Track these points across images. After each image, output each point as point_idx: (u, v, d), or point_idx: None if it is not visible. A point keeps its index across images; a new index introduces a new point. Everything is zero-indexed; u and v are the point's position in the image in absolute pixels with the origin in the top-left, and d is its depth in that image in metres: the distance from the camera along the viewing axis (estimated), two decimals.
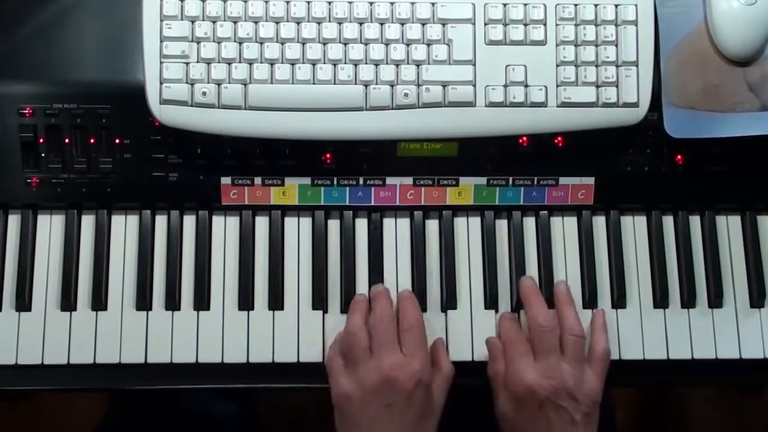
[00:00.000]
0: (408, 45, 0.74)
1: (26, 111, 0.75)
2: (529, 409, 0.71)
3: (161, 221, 0.78)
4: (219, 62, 0.73)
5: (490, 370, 0.75)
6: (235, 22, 0.73)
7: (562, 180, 0.79)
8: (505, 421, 0.73)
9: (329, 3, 0.74)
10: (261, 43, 0.73)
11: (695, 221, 0.81)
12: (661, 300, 0.79)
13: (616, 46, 0.75)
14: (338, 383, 0.72)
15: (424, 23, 0.74)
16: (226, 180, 0.77)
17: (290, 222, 0.79)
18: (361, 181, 0.78)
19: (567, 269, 0.80)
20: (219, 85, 0.72)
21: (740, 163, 0.79)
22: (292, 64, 0.73)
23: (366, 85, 0.73)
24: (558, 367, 0.72)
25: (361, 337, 0.73)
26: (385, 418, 0.70)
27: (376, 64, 0.73)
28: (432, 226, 0.80)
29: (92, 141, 0.76)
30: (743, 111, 0.77)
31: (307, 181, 0.78)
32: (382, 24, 0.74)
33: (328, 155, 0.77)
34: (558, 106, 0.75)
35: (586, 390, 0.72)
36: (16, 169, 0.76)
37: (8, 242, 0.77)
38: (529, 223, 0.80)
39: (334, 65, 0.73)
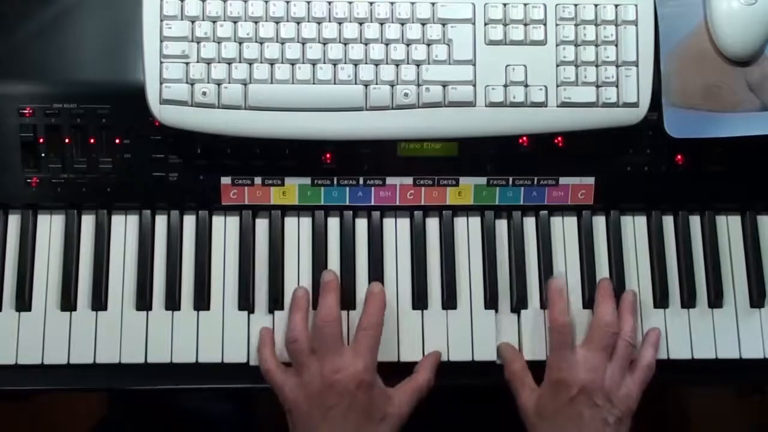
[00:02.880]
0: (408, 45, 0.74)
1: (26, 111, 0.75)
2: (562, 400, 0.71)
3: (161, 221, 0.78)
4: (219, 62, 0.73)
5: (506, 371, 0.75)
6: (235, 22, 0.73)
7: (562, 180, 0.79)
8: (536, 411, 0.73)
9: (329, 3, 0.73)
10: (261, 43, 0.73)
11: (695, 221, 0.81)
12: (661, 300, 0.79)
13: (616, 46, 0.75)
14: (283, 392, 0.72)
15: (424, 23, 0.74)
16: (226, 180, 0.77)
17: (290, 222, 0.79)
18: (361, 181, 0.78)
19: (567, 269, 0.80)
20: (219, 85, 0.72)
21: (740, 163, 0.79)
22: (292, 64, 0.73)
23: (366, 85, 0.73)
24: (602, 366, 0.72)
25: (303, 344, 0.72)
26: (329, 420, 0.70)
27: (376, 64, 0.73)
28: (432, 226, 0.80)
29: (92, 141, 0.76)
30: (743, 111, 0.77)
31: (307, 181, 0.78)
32: (382, 24, 0.74)
33: (328, 155, 0.77)
34: (558, 106, 0.75)
35: (622, 395, 0.72)
36: (16, 169, 0.76)
37: (8, 242, 0.77)
38: (529, 223, 0.80)
39: (334, 65, 0.73)
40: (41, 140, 0.75)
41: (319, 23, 0.73)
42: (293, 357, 0.73)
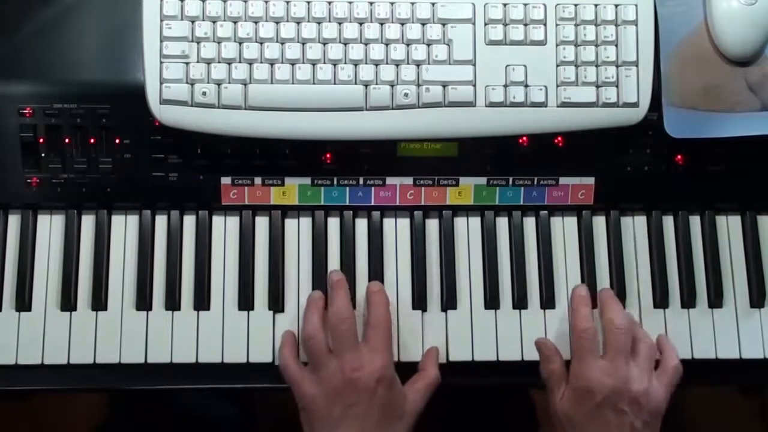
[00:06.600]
0: (408, 45, 0.74)
1: (26, 111, 0.75)
2: (587, 407, 0.71)
3: (161, 221, 0.78)
4: (219, 62, 0.73)
5: (544, 369, 0.75)
6: (235, 22, 0.73)
7: (562, 180, 0.79)
8: (564, 417, 0.72)
9: (329, 3, 0.74)
10: (261, 43, 0.73)
11: (695, 221, 0.81)
12: (661, 300, 0.79)
13: (616, 46, 0.75)
14: (301, 388, 0.71)
15: (424, 23, 0.74)
16: (226, 180, 0.77)
17: (290, 222, 0.79)
18: (361, 181, 0.78)
19: (567, 269, 0.80)
20: (219, 85, 0.72)
21: (740, 163, 0.79)
22: (292, 64, 0.73)
23: (366, 85, 0.73)
24: (625, 370, 0.71)
25: (319, 340, 0.72)
26: (350, 417, 0.69)
27: (376, 64, 0.73)
28: (432, 226, 0.80)
29: (92, 141, 0.76)
30: (743, 111, 0.77)
31: (307, 181, 0.78)
32: (382, 24, 0.74)
33: (328, 155, 0.77)
34: (558, 106, 0.75)
35: (649, 398, 0.71)
36: (16, 169, 0.76)
37: (8, 242, 0.77)
38: (529, 223, 0.80)
39: (334, 65, 0.73)
40: (41, 140, 0.75)
41: (319, 23, 0.73)
42: (310, 354, 0.73)
